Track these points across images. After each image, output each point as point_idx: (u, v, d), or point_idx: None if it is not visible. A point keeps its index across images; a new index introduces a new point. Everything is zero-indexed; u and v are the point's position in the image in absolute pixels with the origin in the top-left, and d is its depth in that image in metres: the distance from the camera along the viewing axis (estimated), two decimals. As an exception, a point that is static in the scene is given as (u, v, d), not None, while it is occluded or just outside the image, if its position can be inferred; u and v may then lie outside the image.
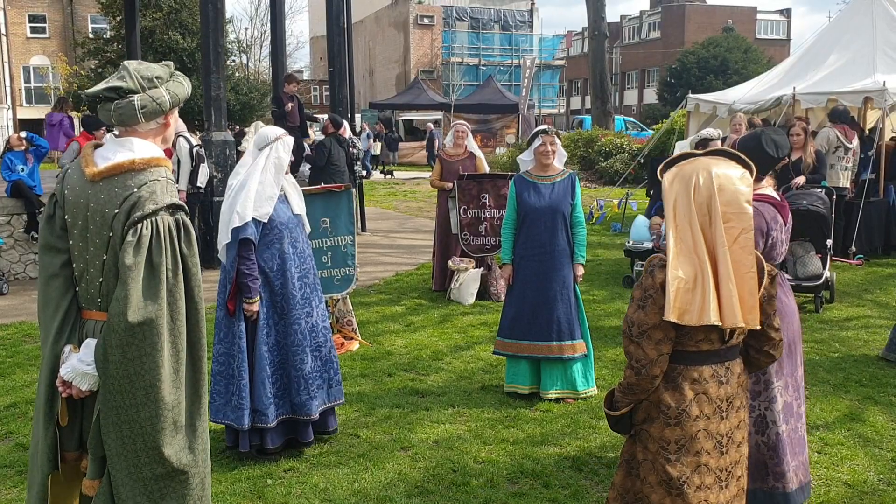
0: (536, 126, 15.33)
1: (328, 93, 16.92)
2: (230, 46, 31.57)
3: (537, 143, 5.41)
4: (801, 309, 8.46)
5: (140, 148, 2.64)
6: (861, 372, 6.00)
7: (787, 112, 11.97)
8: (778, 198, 3.84)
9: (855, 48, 12.45)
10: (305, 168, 12.71)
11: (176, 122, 2.78)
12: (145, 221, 2.51)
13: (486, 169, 8.96)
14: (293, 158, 4.50)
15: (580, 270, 5.42)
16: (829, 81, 12.01)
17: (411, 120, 36.05)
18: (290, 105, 12.12)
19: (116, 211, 2.55)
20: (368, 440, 4.76)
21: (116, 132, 2.71)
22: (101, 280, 2.60)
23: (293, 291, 4.39)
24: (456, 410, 5.24)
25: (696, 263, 2.59)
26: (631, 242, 9.09)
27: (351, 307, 6.95)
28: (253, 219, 4.23)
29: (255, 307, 4.29)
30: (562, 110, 54.81)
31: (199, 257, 2.65)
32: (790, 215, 3.88)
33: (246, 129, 4.14)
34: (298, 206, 4.53)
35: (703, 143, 7.83)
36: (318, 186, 7.35)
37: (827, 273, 7.78)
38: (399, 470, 4.35)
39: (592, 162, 21.93)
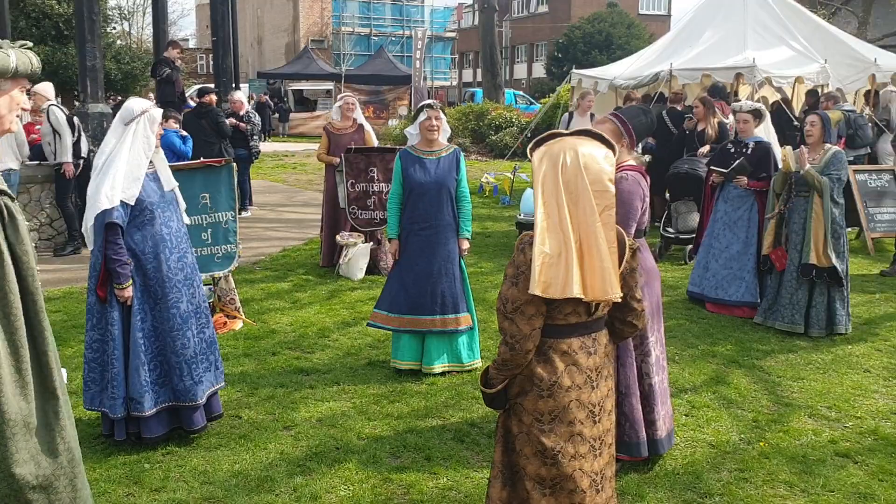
0: (429, 98, 15.33)
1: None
2: (110, 13, 29.96)
3: (422, 117, 5.44)
4: (673, 262, 8.93)
5: None
6: (727, 337, 6.35)
7: (667, 86, 12.41)
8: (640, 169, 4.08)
9: (728, 26, 13.00)
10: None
11: (10, 100, 2.58)
12: None
13: (375, 142, 8.91)
14: (162, 132, 4.33)
15: (465, 245, 5.50)
16: (704, 57, 12.51)
17: (301, 90, 35.34)
18: (166, 71, 11.72)
19: None
20: (250, 420, 4.70)
21: None
22: None
23: (169, 274, 4.21)
24: (341, 387, 5.23)
25: (561, 239, 2.66)
26: (522, 215, 9.29)
27: (234, 285, 6.80)
28: (120, 201, 4.03)
29: (128, 293, 4.10)
30: (454, 83, 54.90)
31: (29, 244, 2.48)
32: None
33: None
34: (170, 182, 4.33)
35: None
36: (198, 161, 7.13)
37: None
38: (281, 449, 4.32)
39: (483, 135, 22.11)
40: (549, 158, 2.74)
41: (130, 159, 4.09)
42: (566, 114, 11.88)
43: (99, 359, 4.19)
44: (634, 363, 4.02)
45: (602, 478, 2.88)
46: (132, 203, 4.08)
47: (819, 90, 11.80)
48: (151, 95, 15.03)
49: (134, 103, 4.22)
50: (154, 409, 4.23)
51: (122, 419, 4.19)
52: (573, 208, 2.69)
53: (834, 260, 6.19)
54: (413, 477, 4.03)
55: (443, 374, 5.44)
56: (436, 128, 5.41)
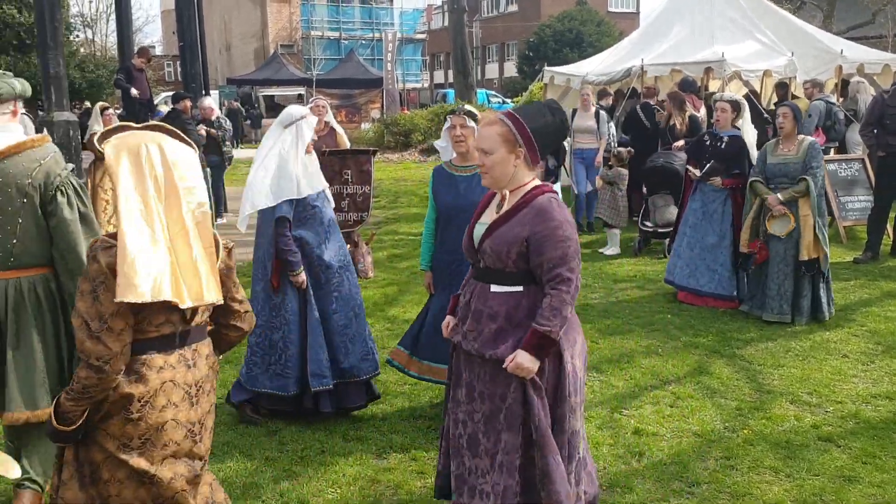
0: (401, 101, 15.24)
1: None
2: (73, 21, 29.72)
3: (447, 125, 4.53)
4: (652, 256, 8.92)
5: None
6: (708, 328, 6.39)
7: (639, 81, 12.48)
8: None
9: (696, 21, 13.11)
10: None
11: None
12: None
13: (347, 144, 8.85)
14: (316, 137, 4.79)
15: None
16: (673, 52, 12.60)
17: (272, 96, 35.16)
18: (134, 91, 11.75)
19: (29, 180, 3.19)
20: (233, 427, 4.65)
21: None
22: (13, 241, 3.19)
23: (332, 262, 4.60)
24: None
25: (150, 238, 2.43)
26: None
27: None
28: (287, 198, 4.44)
29: (302, 277, 4.50)
30: (426, 84, 54.93)
31: None
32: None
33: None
34: (322, 182, 4.68)
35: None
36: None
37: None
38: (266, 455, 4.27)
39: (456, 135, 22.08)
40: (129, 152, 2.47)
41: (297, 159, 4.48)
42: (571, 110, 11.52)
43: (262, 343, 4.57)
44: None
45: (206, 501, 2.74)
46: (301, 197, 4.47)
47: (788, 82, 11.92)
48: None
49: (293, 109, 4.69)
50: (331, 385, 4.53)
51: (326, 391, 4.51)
52: (162, 206, 2.48)
53: (826, 248, 6.28)
54: (400, 477, 4.00)
55: None
56: (463, 137, 4.36)
